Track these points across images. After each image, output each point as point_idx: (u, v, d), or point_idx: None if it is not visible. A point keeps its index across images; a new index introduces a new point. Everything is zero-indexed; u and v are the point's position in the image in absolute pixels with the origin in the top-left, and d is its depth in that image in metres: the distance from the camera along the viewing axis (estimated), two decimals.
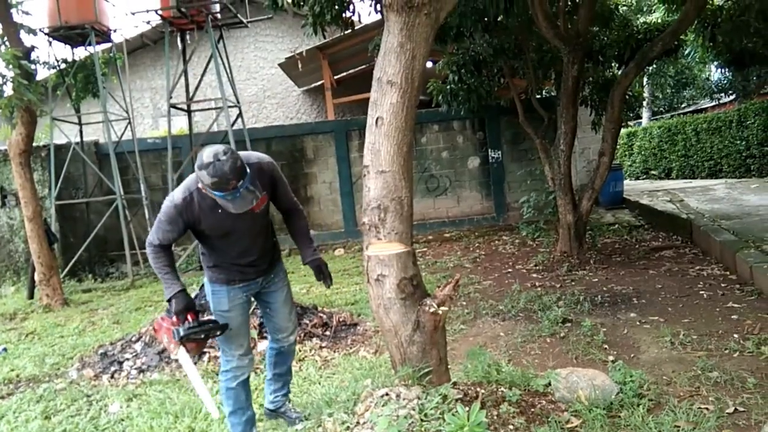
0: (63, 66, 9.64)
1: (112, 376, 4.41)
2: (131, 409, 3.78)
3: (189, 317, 2.71)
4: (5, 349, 5.55)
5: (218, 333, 2.83)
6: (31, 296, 7.81)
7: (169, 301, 2.71)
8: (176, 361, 2.91)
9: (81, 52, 9.95)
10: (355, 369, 4.06)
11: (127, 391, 4.11)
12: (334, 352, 4.56)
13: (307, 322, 5.04)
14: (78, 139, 10.07)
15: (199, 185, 2.56)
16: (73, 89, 9.75)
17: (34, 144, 7.89)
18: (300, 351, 4.49)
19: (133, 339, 4.90)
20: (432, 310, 2.85)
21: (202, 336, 2.76)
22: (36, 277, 7.46)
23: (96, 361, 4.69)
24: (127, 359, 4.62)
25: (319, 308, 5.46)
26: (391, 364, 3.13)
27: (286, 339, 3.19)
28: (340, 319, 5.20)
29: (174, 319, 2.71)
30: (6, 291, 8.87)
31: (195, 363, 2.97)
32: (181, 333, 2.68)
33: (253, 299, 3.13)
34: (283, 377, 3.31)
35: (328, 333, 4.95)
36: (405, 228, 2.92)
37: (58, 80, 9.67)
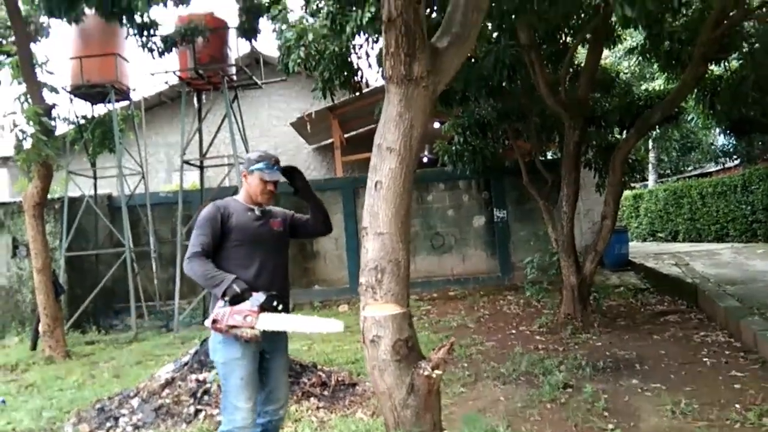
0: (82, 122, 10.00)
1: None
2: None
3: (253, 293, 2.75)
4: (4, 401, 5.53)
5: (281, 306, 2.81)
6: (34, 347, 7.81)
7: (224, 294, 2.70)
8: (255, 338, 2.70)
9: (100, 109, 10.34)
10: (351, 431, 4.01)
11: None
12: (331, 413, 4.51)
13: (306, 380, 5.01)
14: (92, 192, 10.31)
15: (243, 174, 3.01)
16: (90, 144, 10.07)
17: (49, 196, 8.10)
18: (296, 411, 4.46)
19: (131, 394, 4.88)
20: (426, 373, 2.87)
21: (274, 304, 2.77)
22: (40, 328, 7.49)
23: (92, 416, 4.67)
24: (123, 415, 4.59)
25: (319, 366, 5.43)
26: (385, 428, 3.12)
27: (277, 412, 3.00)
28: (339, 379, 5.15)
29: (229, 307, 2.69)
30: (10, 341, 8.88)
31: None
32: (263, 296, 2.74)
33: None
34: None
35: (326, 393, 4.90)
36: (401, 289, 2.99)
37: (77, 135, 10.01)
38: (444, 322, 8.03)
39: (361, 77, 6.15)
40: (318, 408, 4.55)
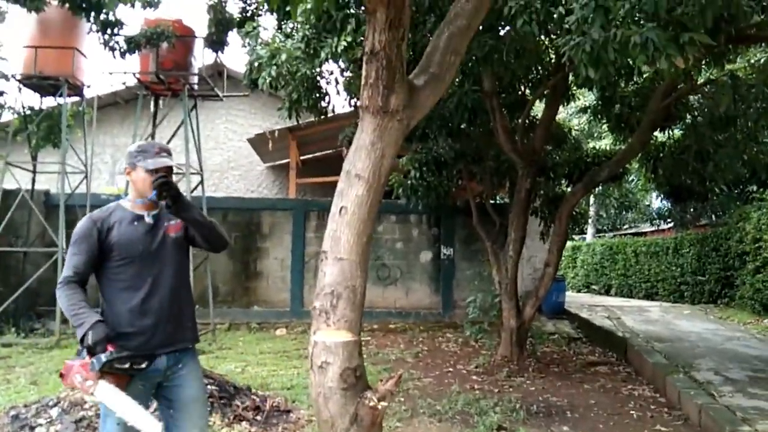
0: (28, 113, 9.56)
1: None
2: None
3: (109, 348, 2.30)
4: None
5: (143, 365, 2.40)
6: None
7: (82, 339, 2.28)
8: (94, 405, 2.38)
9: (49, 102, 9.93)
10: None
11: None
12: None
13: (239, 404, 4.86)
14: (29, 187, 9.82)
15: (126, 171, 2.60)
16: (34, 137, 9.62)
17: None
18: None
19: (50, 403, 4.61)
20: (372, 404, 2.84)
21: (126, 366, 2.34)
22: None
23: (5, 423, 4.36)
24: (41, 425, 4.32)
25: (253, 390, 5.29)
26: None
27: None
28: (274, 404, 5.04)
29: (87, 358, 2.29)
30: None
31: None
32: (103, 359, 2.26)
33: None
34: None
35: (259, 418, 4.78)
36: (355, 317, 2.97)
37: (21, 126, 9.55)
38: (383, 354, 8.01)
39: (329, 102, 6.20)
40: None
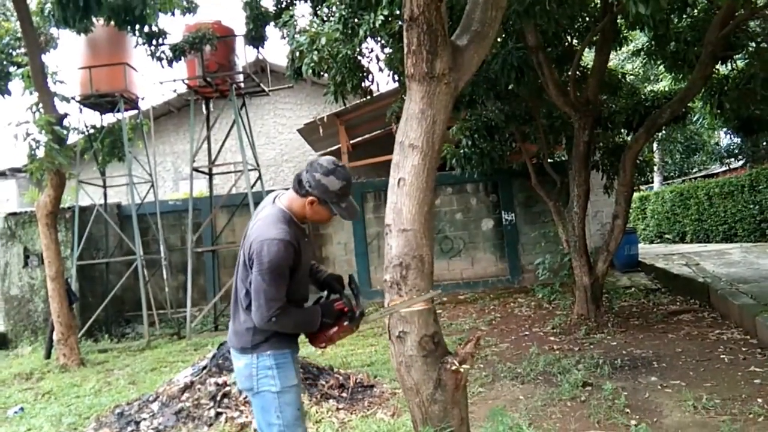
0: (91, 131, 10.06)
1: None
2: None
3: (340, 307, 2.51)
4: (22, 409, 5.55)
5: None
6: (48, 356, 7.84)
7: (322, 324, 2.45)
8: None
9: (109, 118, 10.40)
10: (373, 431, 4.02)
11: None
12: (351, 413, 4.52)
13: (324, 383, 5.02)
14: (102, 201, 10.36)
15: (310, 199, 2.37)
16: (99, 153, 10.12)
17: (60, 206, 8.13)
18: (317, 413, 4.47)
19: (150, 399, 4.90)
20: (454, 368, 2.88)
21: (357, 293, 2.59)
22: (54, 337, 7.51)
23: (113, 421, 4.68)
24: (144, 419, 4.61)
25: (335, 369, 5.45)
26: (412, 425, 3.12)
27: None
28: (357, 380, 5.17)
29: (333, 329, 2.49)
30: (23, 351, 8.91)
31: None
32: (357, 313, 2.49)
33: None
34: None
35: (344, 394, 4.92)
36: (426, 285, 3.00)
37: (86, 145, 10.06)
38: (455, 325, 8.03)
39: (372, 80, 6.19)
40: (338, 409, 4.56)
